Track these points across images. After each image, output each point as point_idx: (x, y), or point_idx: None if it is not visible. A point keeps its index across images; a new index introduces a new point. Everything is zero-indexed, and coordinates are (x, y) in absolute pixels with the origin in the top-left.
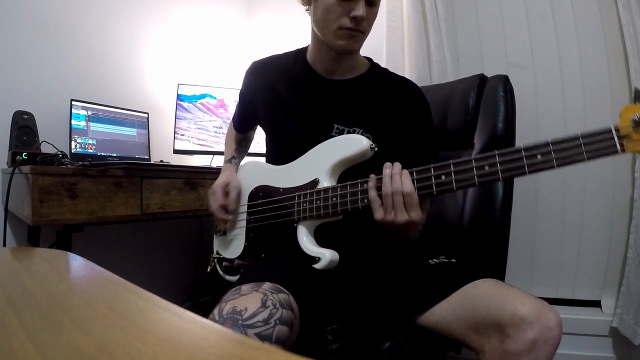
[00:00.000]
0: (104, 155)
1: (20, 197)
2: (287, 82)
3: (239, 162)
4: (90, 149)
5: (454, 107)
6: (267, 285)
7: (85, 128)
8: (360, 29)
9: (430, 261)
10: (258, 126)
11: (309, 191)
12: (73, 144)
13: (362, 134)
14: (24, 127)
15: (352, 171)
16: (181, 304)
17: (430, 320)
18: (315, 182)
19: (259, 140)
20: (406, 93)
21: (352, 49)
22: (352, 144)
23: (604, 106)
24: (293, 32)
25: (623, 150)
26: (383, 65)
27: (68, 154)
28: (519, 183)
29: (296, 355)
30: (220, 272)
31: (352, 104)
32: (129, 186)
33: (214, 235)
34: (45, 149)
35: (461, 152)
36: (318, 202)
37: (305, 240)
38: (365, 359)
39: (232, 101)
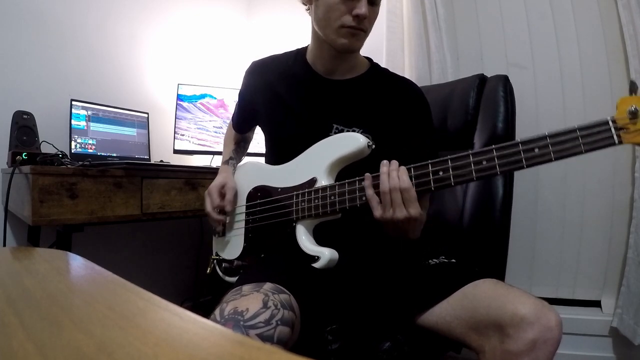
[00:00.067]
0: (104, 155)
1: (20, 197)
2: (287, 82)
3: (237, 163)
4: (90, 149)
5: (454, 107)
6: (268, 285)
7: (85, 128)
8: (362, 27)
9: (430, 261)
10: (257, 126)
11: (307, 190)
12: (73, 144)
13: (361, 134)
14: (24, 127)
15: (350, 169)
16: (181, 304)
17: (430, 320)
18: (313, 181)
19: (258, 140)
20: (406, 93)
21: (354, 48)
22: (349, 142)
23: (604, 106)
24: (293, 32)
25: (620, 142)
26: (383, 65)
27: (68, 154)
28: (519, 183)
29: (296, 355)
30: (220, 273)
31: (351, 104)
32: (129, 186)
33: (213, 237)
34: (45, 149)
35: (461, 152)
36: (316, 200)
37: (305, 240)
38: (365, 359)
39: (232, 101)
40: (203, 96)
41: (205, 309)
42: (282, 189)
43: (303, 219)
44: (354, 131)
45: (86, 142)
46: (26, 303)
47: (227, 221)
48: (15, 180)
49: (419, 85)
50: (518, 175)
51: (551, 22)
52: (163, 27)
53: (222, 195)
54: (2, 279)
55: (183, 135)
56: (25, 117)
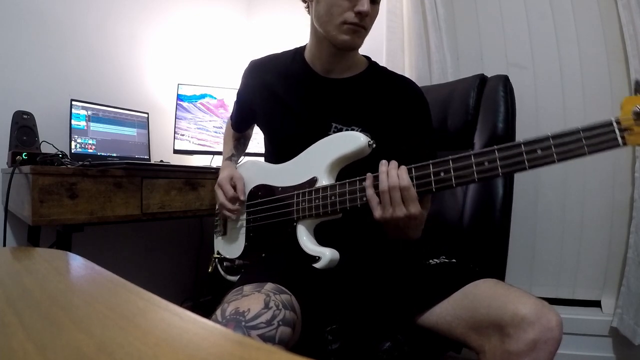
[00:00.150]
0: (104, 155)
1: (20, 197)
2: (285, 82)
3: (238, 159)
4: (90, 149)
5: (454, 107)
6: (269, 285)
7: (85, 128)
8: (363, 24)
9: (430, 261)
10: (257, 126)
11: (307, 190)
12: (73, 144)
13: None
14: (24, 127)
15: (351, 169)
16: (181, 304)
17: (431, 320)
18: (313, 181)
19: (258, 140)
20: (405, 92)
21: (355, 45)
22: (350, 141)
23: (604, 106)
24: (293, 32)
25: (624, 144)
26: (383, 65)
27: (68, 154)
28: (519, 183)
29: (296, 355)
30: (222, 272)
31: (350, 102)
32: (129, 186)
33: (214, 236)
34: (45, 149)
35: (461, 152)
36: (317, 200)
37: (305, 240)
38: (365, 359)
39: (232, 101)
40: (203, 96)
41: (205, 309)
42: (283, 188)
43: (304, 219)
44: (352, 130)
45: (86, 142)
46: (26, 303)
47: (239, 209)
48: (15, 180)
49: (419, 85)
50: (518, 175)
51: (551, 22)
52: (163, 27)
53: (233, 186)
54: (2, 279)
55: (183, 135)
56: (25, 117)
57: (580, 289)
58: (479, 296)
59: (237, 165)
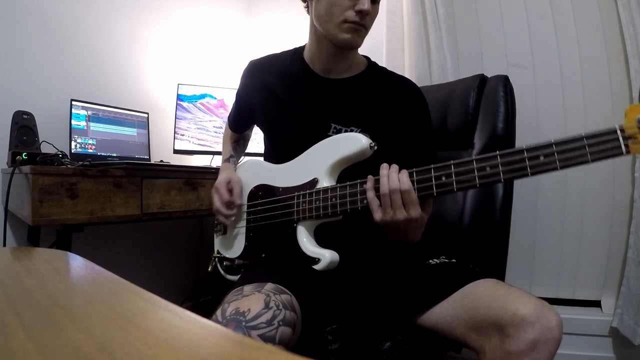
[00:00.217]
0: (104, 155)
1: (20, 197)
2: (285, 82)
3: (237, 160)
4: (90, 149)
5: (454, 107)
6: (269, 286)
7: (85, 128)
8: (364, 23)
9: (430, 261)
10: (256, 126)
11: (308, 191)
12: (73, 144)
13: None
14: (24, 127)
15: (352, 170)
16: (181, 304)
17: (431, 320)
18: (314, 182)
19: (258, 140)
20: (405, 92)
21: (355, 44)
22: (351, 142)
23: (604, 106)
24: (293, 32)
25: (628, 152)
26: (383, 65)
27: (68, 154)
28: (519, 183)
29: (296, 355)
30: (222, 271)
31: (349, 103)
32: (129, 186)
33: (215, 235)
34: (45, 149)
35: (461, 152)
36: (317, 202)
37: (305, 241)
38: (365, 359)
39: (232, 101)
40: (203, 96)
41: (205, 309)
42: (284, 188)
43: (304, 220)
44: (351, 130)
45: (86, 142)
46: (26, 303)
47: (236, 214)
48: (15, 180)
49: (419, 85)
50: None
51: (551, 22)
52: (163, 27)
53: (230, 190)
54: (2, 279)
55: (183, 135)
56: (25, 117)
57: (580, 289)
58: (479, 296)
59: (237, 165)
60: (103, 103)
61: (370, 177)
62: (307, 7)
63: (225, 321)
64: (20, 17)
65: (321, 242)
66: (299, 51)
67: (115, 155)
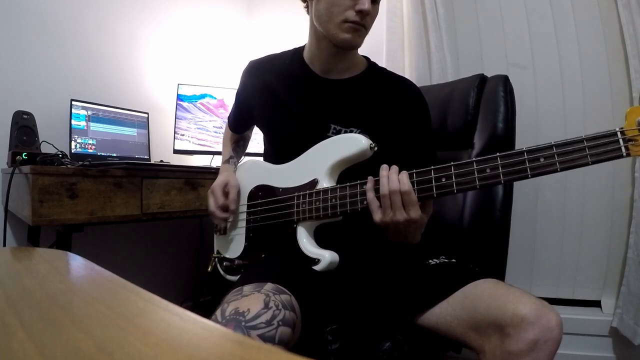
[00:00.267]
0: (104, 155)
1: (20, 197)
2: (284, 82)
3: (237, 161)
4: (90, 149)
5: (454, 107)
6: (269, 286)
7: (85, 128)
8: (364, 23)
9: (430, 261)
10: (256, 126)
11: (308, 192)
12: (73, 144)
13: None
14: (24, 127)
15: (352, 171)
16: (181, 304)
17: (431, 320)
18: (314, 183)
19: (258, 140)
20: (405, 93)
21: (355, 44)
22: (352, 143)
23: (604, 106)
24: (293, 32)
25: (628, 154)
26: (383, 65)
27: (68, 154)
28: (519, 183)
29: (296, 355)
30: (221, 271)
31: (349, 104)
32: (129, 186)
33: (215, 235)
34: (45, 149)
35: (461, 152)
36: (317, 203)
37: (305, 242)
38: (365, 359)
39: (232, 101)
40: (203, 96)
41: (205, 309)
42: (284, 189)
43: (304, 221)
44: (351, 131)
45: (86, 142)
46: (26, 303)
47: (231, 220)
48: (15, 180)
49: (419, 85)
50: None
51: (551, 22)
52: (163, 27)
53: (226, 193)
54: (2, 279)
55: (183, 135)
56: (25, 117)
57: (580, 289)
58: (478, 296)
59: (238, 165)
60: (103, 103)
61: (370, 178)
62: (307, 7)
63: (224, 321)
64: (20, 17)
65: (321, 242)
66: (298, 51)
67: (115, 155)
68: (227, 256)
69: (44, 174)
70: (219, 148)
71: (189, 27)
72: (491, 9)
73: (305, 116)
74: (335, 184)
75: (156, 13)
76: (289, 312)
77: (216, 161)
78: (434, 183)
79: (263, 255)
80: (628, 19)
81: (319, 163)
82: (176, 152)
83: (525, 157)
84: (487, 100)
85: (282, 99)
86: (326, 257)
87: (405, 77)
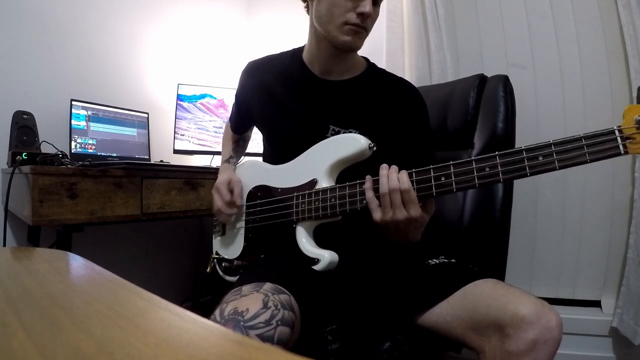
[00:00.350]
0: (104, 155)
1: (20, 197)
2: (283, 83)
3: (237, 161)
4: (90, 149)
5: (454, 107)
6: (268, 285)
7: (85, 128)
8: (364, 25)
9: (430, 261)
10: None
11: (307, 192)
12: (73, 144)
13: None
14: (24, 127)
15: (351, 171)
16: (181, 304)
17: (431, 320)
18: (313, 183)
19: (258, 140)
20: (404, 94)
21: (356, 46)
22: (351, 143)
23: (604, 106)
24: (293, 32)
25: (626, 152)
26: (383, 65)
27: (68, 154)
28: (519, 183)
29: (296, 355)
30: (220, 272)
31: (348, 105)
32: (129, 186)
33: (213, 236)
34: (45, 149)
35: (461, 152)
36: (317, 202)
37: (305, 242)
38: (365, 359)
39: (232, 101)
40: (203, 96)
41: (205, 309)
42: (283, 189)
43: (303, 221)
44: (350, 132)
45: (86, 142)
46: (26, 303)
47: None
48: (15, 180)
49: (419, 85)
50: None
51: (551, 22)
52: (163, 27)
53: (230, 190)
54: (2, 279)
55: (183, 135)
56: (25, 117)
57: (580, 289)
58: (478, 296)
59: (237, 165)
60: (103, 103)
61: (368, 177)
62: (307, 7)
63: (223, 321)
64: (20, 17)
65: (320, 242)
66: (297, 52)
67: (115, 155)
68: (226, 257)
69: (44, 174)
70: (219, 148)
71: (189, 27)
72: (491, 9)
73: (304, 117)
74: (334, 184)
75: (156, 13)
76: (288, 311)
77: (216, 161)
78: (433, 182)
79: (262, 256)
80: (628, 19)
81: (318, 163)
82: (176, 152)
83: (524, 155)
84: (487, 100)
85: (281, 99)
86: (326, 257)
87: (406, 77)
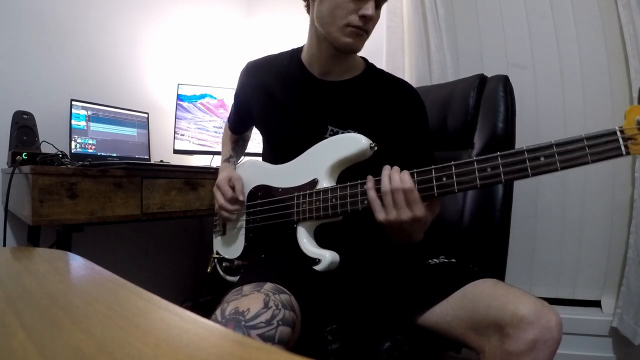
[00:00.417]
0: (104, 155)
1: (20, 197)
2: (282, 83)
3: (237, 161)
4: (90, 149)
5: (454, 107)
6: (268, 285)
7: (85, 128)
8: (366, 28)
9: (430, 261)
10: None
11: (308, 192)
12: (73, 144)
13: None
14: (24, 127)
15: (351, 171)
16: (181, 304)
17: (430, 320)
18: (314, 183)
19: (258, 140)
20: (403, 95)
21: (356, 48)
22: (352, 143)
23: (604, 106)
24: (293, 32)
25: (628, 153)
26: (383, 65)
27: (68, 154)
28: (519, 183)
29: (296, 355)
30: (221, 272)
31: (347, 106)
32: (129, 186)
33: (214, 236)
34: (45, 149)
35: (461, 152)
36: (317, 203)
37: (306, 242)
38: (365, 359)
39: (232, 101)
40: (203, 96)
41: (205, 309)
42: (283, 189)
43: (304, 221)
44: (349, 132)
45: (86, 142)
46: (26, 303)
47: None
48: (15, 180)
49: (419, 85)
50: None
51: (551, 22)
52: (163, 27)
53: (232, 187)
54: (2, 279)
55: (183, 135)
56: (25, 117)
57: (580, 289)
58: (478, 296)
59: (237, 165)
60: (103, 103)
61: (370, 177)
62: (308, 6)
63: (224, 321)
64: (20, 17)
65: (321, 242)
66: (296, 52)
67: (115, 155)
68: (226, 257)
69: (44, 174)
70: (219, 148)
71: (189, 27)
72: (491, 9)
73: (303, 117)
74: (335, 184)
75: (156, 13)
76: (289, 311)
77: (216, 161)
78: (434, 182)
79: (263, 256)
80: (628, 19)
81: (319, 163)
82: (176, 152)
83: (526, 156)
84: (487, 100)
85: (279, 100)
86: (327, 257)
87: (405, 77)
